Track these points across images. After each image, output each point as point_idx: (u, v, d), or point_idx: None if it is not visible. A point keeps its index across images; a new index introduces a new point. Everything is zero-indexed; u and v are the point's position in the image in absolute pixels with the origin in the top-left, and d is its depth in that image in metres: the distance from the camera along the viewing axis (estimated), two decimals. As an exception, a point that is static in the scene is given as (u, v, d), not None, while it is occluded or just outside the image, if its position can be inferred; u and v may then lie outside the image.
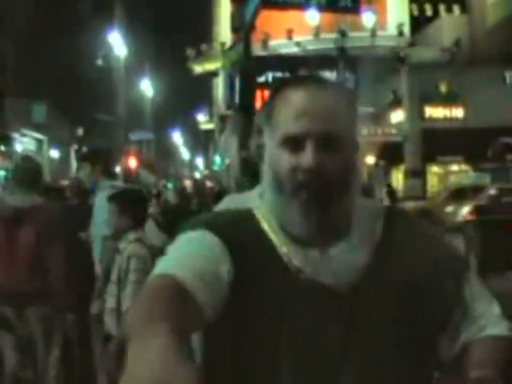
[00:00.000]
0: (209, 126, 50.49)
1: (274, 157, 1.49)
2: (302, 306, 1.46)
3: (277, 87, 1.56)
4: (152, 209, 8.22)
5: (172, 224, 6.42)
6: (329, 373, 1.45)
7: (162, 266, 1.37)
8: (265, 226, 1.52)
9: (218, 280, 1.38)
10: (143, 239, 4.08)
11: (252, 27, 16.74)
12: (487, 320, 1.51)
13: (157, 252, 3.59)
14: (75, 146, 40.76)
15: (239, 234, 1.49)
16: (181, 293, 1.28)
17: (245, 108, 14.96)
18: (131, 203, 4.13)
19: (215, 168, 45.96)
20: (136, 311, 1.22)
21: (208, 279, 1.35)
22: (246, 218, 1.54)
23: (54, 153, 37.75)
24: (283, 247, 1.49)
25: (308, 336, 1.45)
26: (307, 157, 1.45)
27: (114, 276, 3.94)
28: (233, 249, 1.44)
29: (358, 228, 1.52)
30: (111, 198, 4.18)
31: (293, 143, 1.46)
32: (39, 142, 35.29)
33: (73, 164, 40.21)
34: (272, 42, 30.13)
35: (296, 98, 1.49)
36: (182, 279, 1.30)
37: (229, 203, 2.64)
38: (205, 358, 1.51)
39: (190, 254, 1.41)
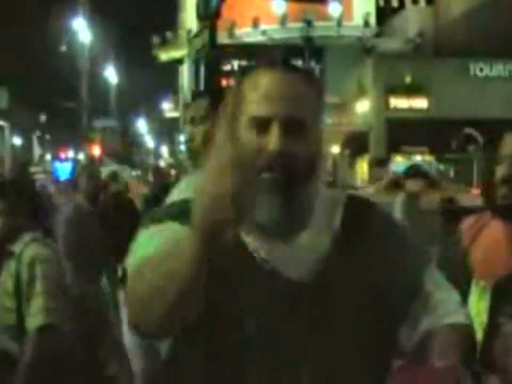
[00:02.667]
0: (175, 114, 50.25)
1: (241, 140, 1.48)
2: (267, 296, 1.46)
3: (245, 71, 1.55)
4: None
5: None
6: (292, 362, 1.45)
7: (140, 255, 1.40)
8: None
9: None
10: (42, 239, 3.30)
11: (217, 15, 16.62)
12: (446, 308, 1.52)
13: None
14: (38, 133, 40.26)
15: None
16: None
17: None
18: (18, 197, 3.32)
19: (180, 156, 45.83)
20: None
21: None
22: None
23: (17, 140, 37.26)
24: (247, 236, 1.47)
25: (272, 326, 1.45)
26: (272, 140, 1.45)
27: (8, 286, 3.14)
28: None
29: (318, 215, 1.51)
30: None
31: (259, 126, 1.46)
32: (1, 128, 34.78)
33: (36, 151, 39.70)
34: (238, 31, 30.00)
35: (263, 82, 1.49)
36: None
37: (188, 187, 2.58)
38: (170, 352, 1.50)
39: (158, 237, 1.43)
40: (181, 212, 1.46)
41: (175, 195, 2.60)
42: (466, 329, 1.55)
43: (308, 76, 1.54)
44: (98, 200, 6.53)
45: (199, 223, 1.28)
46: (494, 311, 1.95)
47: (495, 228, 2.10)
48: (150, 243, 1.43)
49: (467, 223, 2.21)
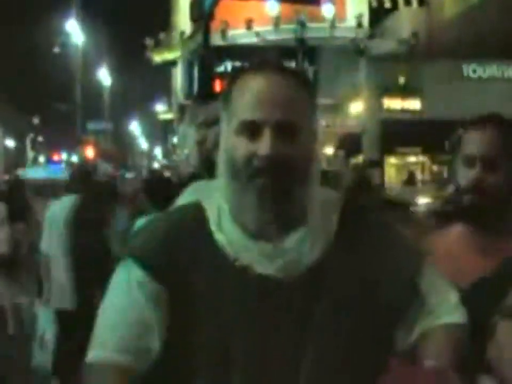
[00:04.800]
0: (168, 116, 50.22)
1: (231, 144, 1.46)
2: (254, 302, 1.44)
3: (237, 73, 1.52)
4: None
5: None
6: (284, 367, 1.43)
7: (100, 341, 1.45)
8: (212, 225, 1.49)
9: (153, 332, 1.45)
10: None
11: (211, 16, 16.64)
12: (443, 308, 1.52)
13: None
14: (31, 136, 40.20)
15: (176, 249, 1.47)
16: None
17: (203, 98, 14.89)
18: None
19: (174, 158, 45.80)
20: None
21: (142, 344, 1.44)
22: (186, 222, 1.51)
23: (9, 143, 37.19)
24: (229, 245, 1.46)
25: (261, 333, 1.43)
26: (264, 144, 1.42)
27: None
28: (168, 271, 1.44)
29: (313, 219, 1.49)
30: None
31: (250, 130, 1.44)
32: (-6, 131, 34.73)
33: (29, 153, 39.64)
34: (231, 32, 30.01)
35: (255, 85, 1.46)
36: (120, 363, 1.42)
37: (194, 192, 2.56)
38: (160, 356, 1.48)
39: (119, 316, 1.46)
40: (161, 242, 1.48)
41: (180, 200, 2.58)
42: (462, 329, 1.54)
43: (299, 78, 1.52)
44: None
45: None
46: (480, 311, 1.93)
47: (453, 234, 2.10)
48: (109, 329, 1.47)
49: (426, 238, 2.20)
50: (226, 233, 1.48)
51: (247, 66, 1.53)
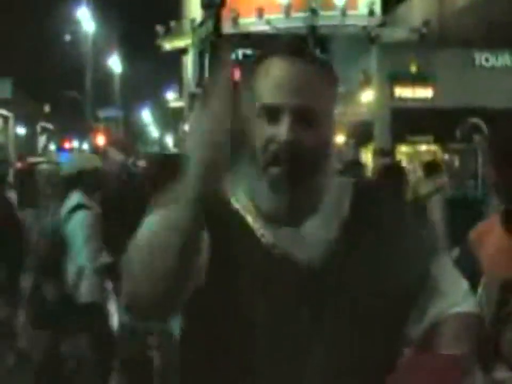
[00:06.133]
0: (179, 103, 50.22)
1: (250, 128, 1.46)
2: (276, 280, 1.45)
3: (259, 57, 1.52)
4: None
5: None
6: (302, 346, 1.45)
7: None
8: (235, 202, 1.50)
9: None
10: None
11: (222, 4, 16.59)
12: (455, 296, 1.52)
13: None
14: (42, 123, 40.27)
15: (211, 208, 1.43)
16: None
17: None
18: None
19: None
20: None
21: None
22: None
23: (20, 130, 37.26)
24: (255, 223, 1.47)
25: (281, 310, 1.45)
26: (282, 129, 1.43)
27: None
28: (208, 221, 1.40)
29: (327, 205, 1.50)
30: None
31: (270, 114, 1.44)
32: (5, 118, 34.78)
33: (40, 140, 39.74)
34: (242, 20, 29.91)
35: (276, 69, 1.46)
36: None
37: None
38: (183, 334, 1.51)
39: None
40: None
41: None
42: (475, 318, 1.54)
43: (322, 65, 1.51)
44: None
45: (195, 160, 1.26)
46: (502, 303, 1.94)
47: (499, 233, 2.10)
48: (147, 223, 1.40)
49: (479, 226, 2.22)
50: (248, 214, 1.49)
51: (268, 51, 1.52)
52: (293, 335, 1.45)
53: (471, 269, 2.00)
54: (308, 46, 1.58)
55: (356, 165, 7.38)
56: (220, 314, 1.45)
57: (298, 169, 1.44)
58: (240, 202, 1.50)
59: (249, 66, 1.53)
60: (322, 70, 1.50)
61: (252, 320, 1.44)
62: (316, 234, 1.48)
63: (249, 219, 1.48)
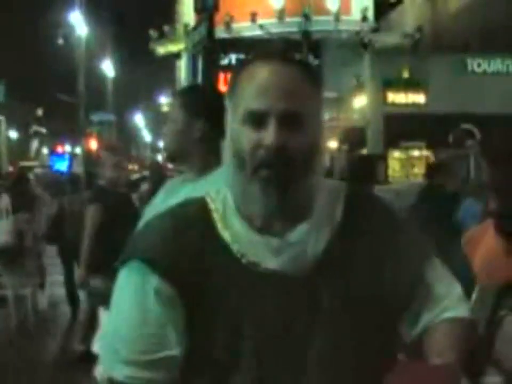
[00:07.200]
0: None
1: (237, 134, 1.45)
2: (262, 298, 1.43)
3: (243, 63, 1.51)
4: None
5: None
6: (294, 359, 1.43)
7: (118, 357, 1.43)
8: (218, 221, 1.48)
9: (173, 339, 1.43)
10: None
11: (215, 8, 16.59)
12: (448, 301, 1.52)
13: None
14: (34, 127, 40.16)
15: (185, 249, 1.45)
16: None
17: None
18: None
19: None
20: None
21: (166, 354, 1.42)
22: (192, 220, 1.49)
23: (13, 134, 37.17)
24: (236, 241, 1.46)
25: (270, 329, 1.43)
26: (269, 134, 1.42)
27: None
28: (180, 273, 1.42)
29: (318, 210, 1.49)
30: None
31: (256, 120, 1.43)
32: (-3, 122, 34.71)
33: (33, 144, 39.61)
34: (235, 25, 29.92)
35: (261, 74, 1.45)
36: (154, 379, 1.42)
37: (193, 189, 2.53)
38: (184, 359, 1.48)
39: (136, 332, 1.43)
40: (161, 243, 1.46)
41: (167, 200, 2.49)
42: (468, 323, 1.54)
43: (306, 68, 1.51)
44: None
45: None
46: (496, 307, 1.95)
47: (493, 237, 2.11)
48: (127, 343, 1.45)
49: (471, 230, 2.23)
50: (232, 229, 1.47)
51: (253, 56, 1.52)
52: (285, 348, 1.44)
53: (464, 273, 2.01)
54: (292, 49, 1.58)
55: None
56: (208, 341, 1.44)
57: (286, 174, 1.43)
58: (223, 217, 1.48)
59: (234, 72, 1.52)
60: (306, 74, 1.49)
61: (241, 342, 1.43)
62: (304, 242, 1.46)
63: (229, 239, 1.47)
